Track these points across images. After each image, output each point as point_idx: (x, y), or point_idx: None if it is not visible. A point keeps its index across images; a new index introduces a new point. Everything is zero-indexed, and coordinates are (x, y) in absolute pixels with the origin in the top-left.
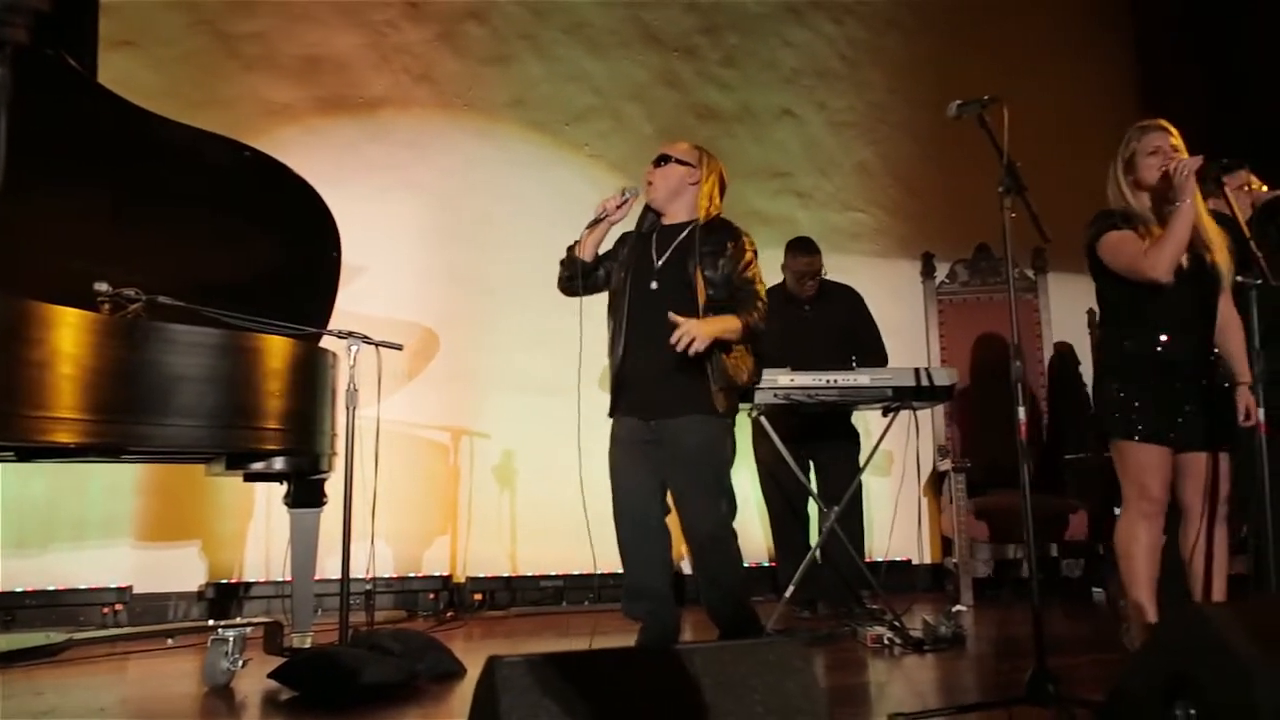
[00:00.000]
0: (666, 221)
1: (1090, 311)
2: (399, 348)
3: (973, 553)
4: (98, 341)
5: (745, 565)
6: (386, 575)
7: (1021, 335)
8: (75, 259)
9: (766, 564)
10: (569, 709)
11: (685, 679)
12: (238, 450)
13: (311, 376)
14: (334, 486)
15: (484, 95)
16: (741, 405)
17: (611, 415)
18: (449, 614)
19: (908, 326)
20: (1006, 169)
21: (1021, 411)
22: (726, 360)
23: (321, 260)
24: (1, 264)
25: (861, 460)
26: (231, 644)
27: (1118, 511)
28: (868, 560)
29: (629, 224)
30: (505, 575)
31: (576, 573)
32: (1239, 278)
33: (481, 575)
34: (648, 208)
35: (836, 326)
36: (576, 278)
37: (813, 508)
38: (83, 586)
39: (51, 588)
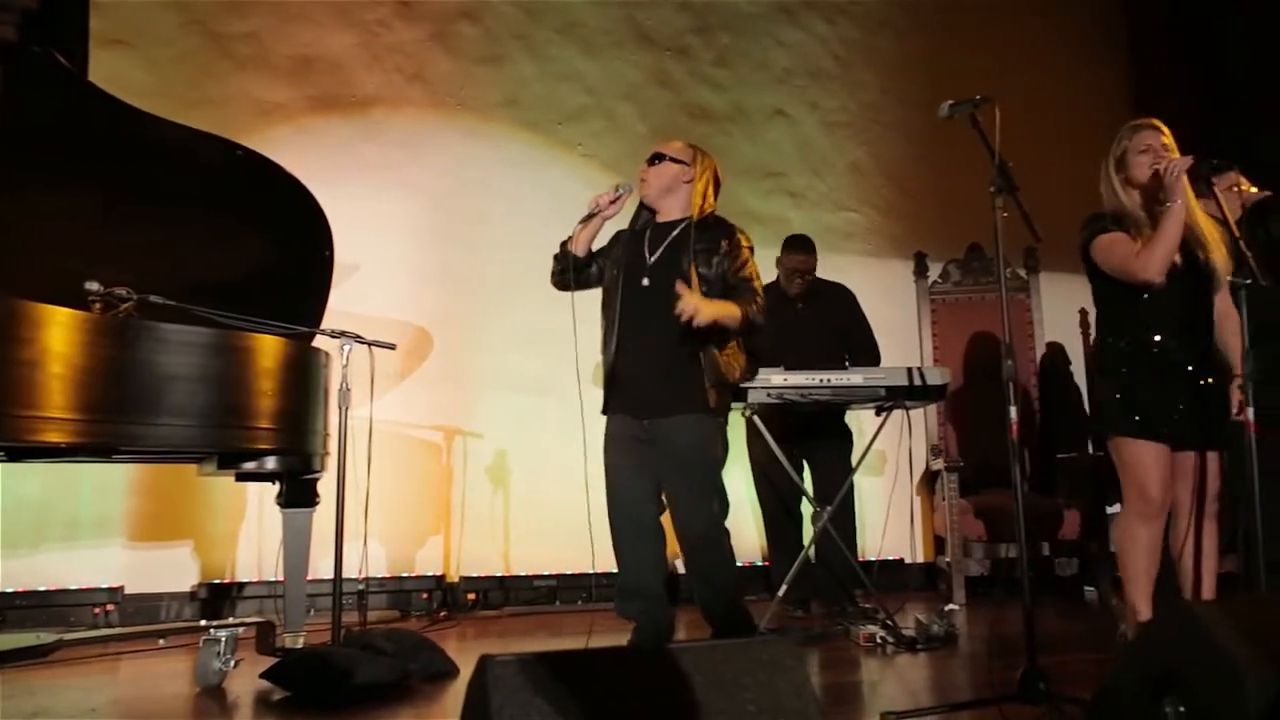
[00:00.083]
0: (660, 219)
1: (1082, 311)
2: (392, 347)
3: (967, 552)
4: (89, 341)
5: (739, 565)
6: (379, 575)
7: (1013, 335)
8: (66, 258)
9: (760, 563)
10: (561, 708)
11: (677, 678)
12: (230, 450)
13: (304, 376)
14: (326, 486)
15: (477, 95)
16: (735, 404)
17: (604, 412)
18: (442, 614)
19: (900, 326)
20: (998, 169)
21: (1013, 411)
22: (719, 357)
23: (314, 259)
24: None
25: (854, 459)
26: (223, 644)
27: (1109, 510)
28: (861, 559)
29: (623, 222)
30: (498, 575)
31: (570, 572)
32: (1230, 277)
33: (475, 575)
34: (642, 205)
35: (829, 325)
36: (568, 272)
37: (806, 507)
38: (74, 587)
39: (43, 588)
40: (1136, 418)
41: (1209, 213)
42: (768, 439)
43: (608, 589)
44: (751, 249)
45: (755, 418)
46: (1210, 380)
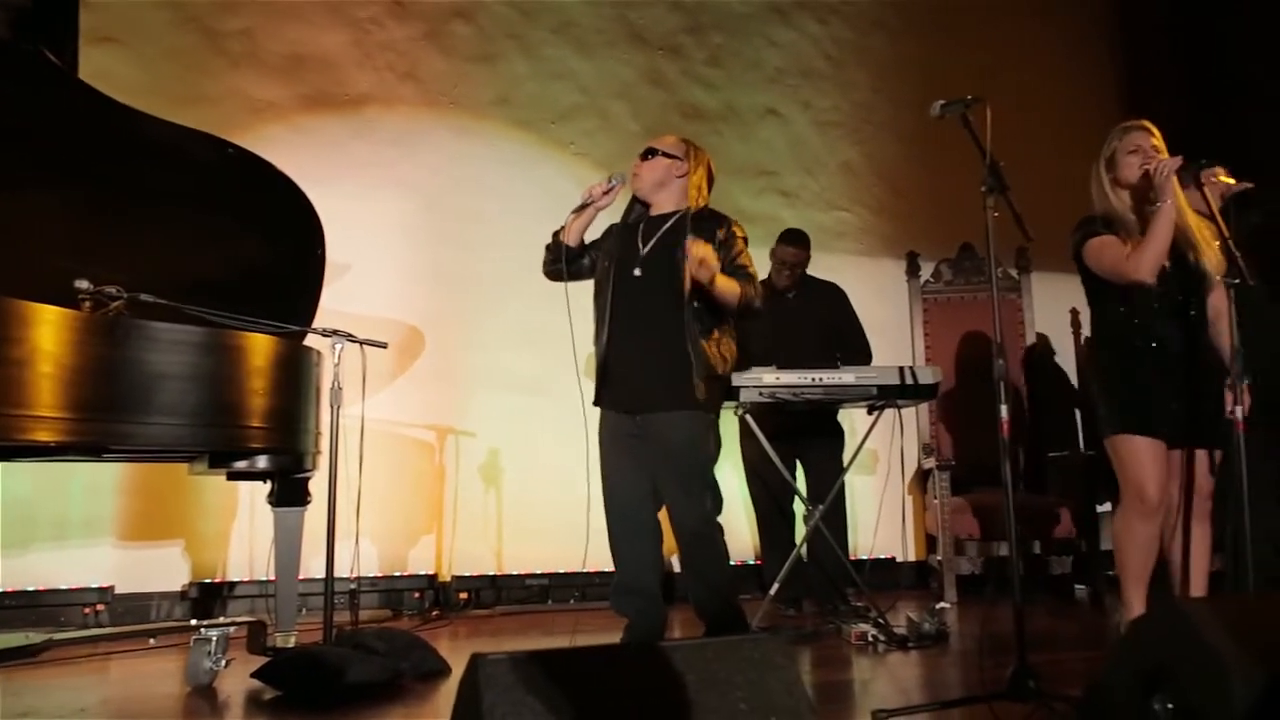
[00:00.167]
0: (653, 212)
1: (1074, 310)
2: (383, 346)
3: (959, 550)
4: (78, 339)
5: (732, 563)
6: (371, 574)
7: (1004, 334)
8: (56, 256)
9: (753, 562)
10: (552, 706)
11: (668, 676)
12: (221, 449)
13: (295, 374)
14: (318, 485)
15: (469, 93)
16: (727, 403)
17: (597, 404)
18: (434, 613)
19: (892, 325)
20: (989, 168)
21: (1004, 409)
22: (708, 348)
23: (306, 258)
24: None
25: (846, 458)
26: (214, 644)
27: (1100, 510)
28: (853, 558)
29: (615, 215)
30: (491, 574)
31: (562, 571)
32: (1221, 276)
33: (467, 574)
34: (635, 199)
35: (820, 321)
36: (560, 261)
37: (799, 505)
38: (64, 586)
39: (32, 588)
40: (1133, 415)
41: (1195, 208)
42: (760, 438)
43: (600, 588)
44: (746, 240)
45: (747, 416)
46: (1204, 379)
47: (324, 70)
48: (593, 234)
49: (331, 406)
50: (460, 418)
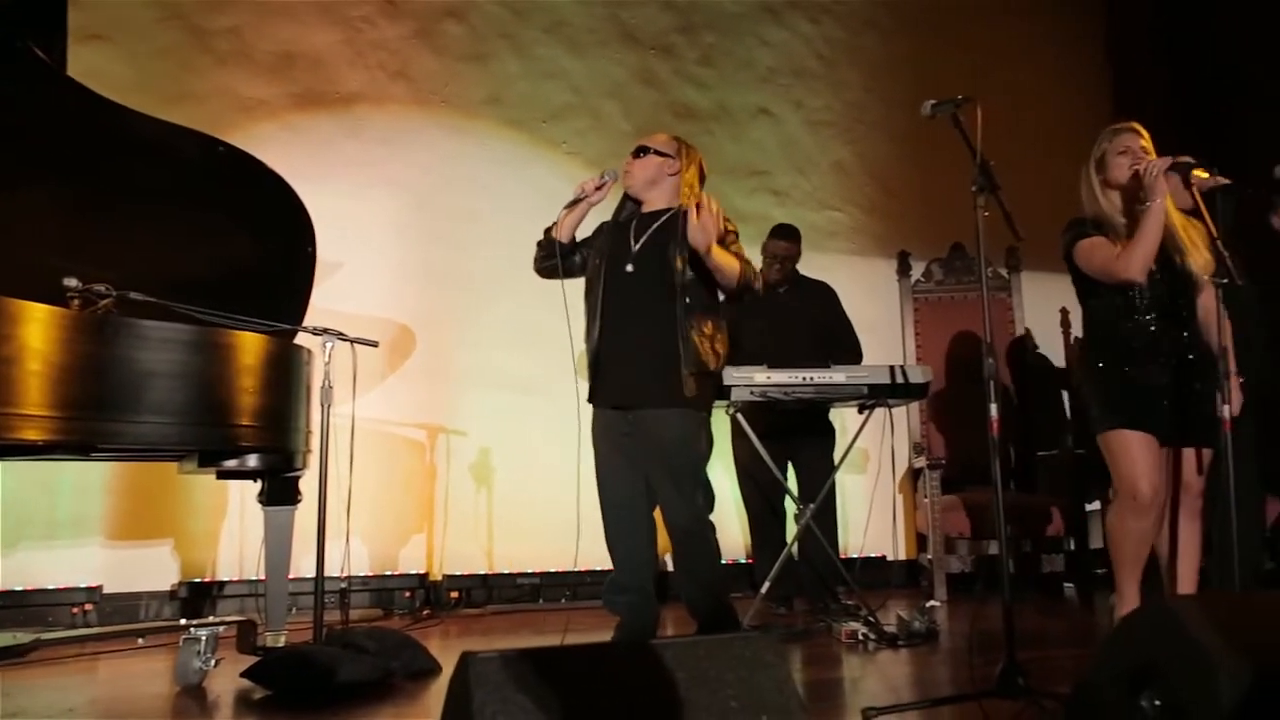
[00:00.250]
0: (645, 210)
1: (1064, 310)
2: (374, 344)
3: (950, 549)
4: (67, 337)
5: (723, 562)
6: (362, 574)
7: (995, 333)
8: (45, 254)
9: (744, 560)
10: (542, 704)
11: (659, 674)
12: (210, 447)
13: (286, 373)
14: (309, 484)
15: (461, 92)
16: (719, 403)
17: (590, 401)
18: (425, 612)
19: (883, 324)
20: (980, 168)
21: (994, 408)
22: (700, 342)
23: (296, 256)
24: None
25: (837, 457)
26: (204, 643)
27: (1089, 508)
28: (843, 556)
29: (606, 213)
30: (482, 573)
31: (553, 570)
32: (1209, 277)
33: (458, 573)
34: (626, 197)
35: (810, 318)
36: (552, 258)
37: (790, 504)
38: (52, 586)
39: (19, 588)
40: (1125, 411)
41: (1184, 207)
42: (751, 437)
43: (591, 587)
44: (736, 233)
45: (739, 415)
46: (1194, 378)
47: (315, 68)
48: (583, 233)
49: (322, 405)
50: (451, 417)
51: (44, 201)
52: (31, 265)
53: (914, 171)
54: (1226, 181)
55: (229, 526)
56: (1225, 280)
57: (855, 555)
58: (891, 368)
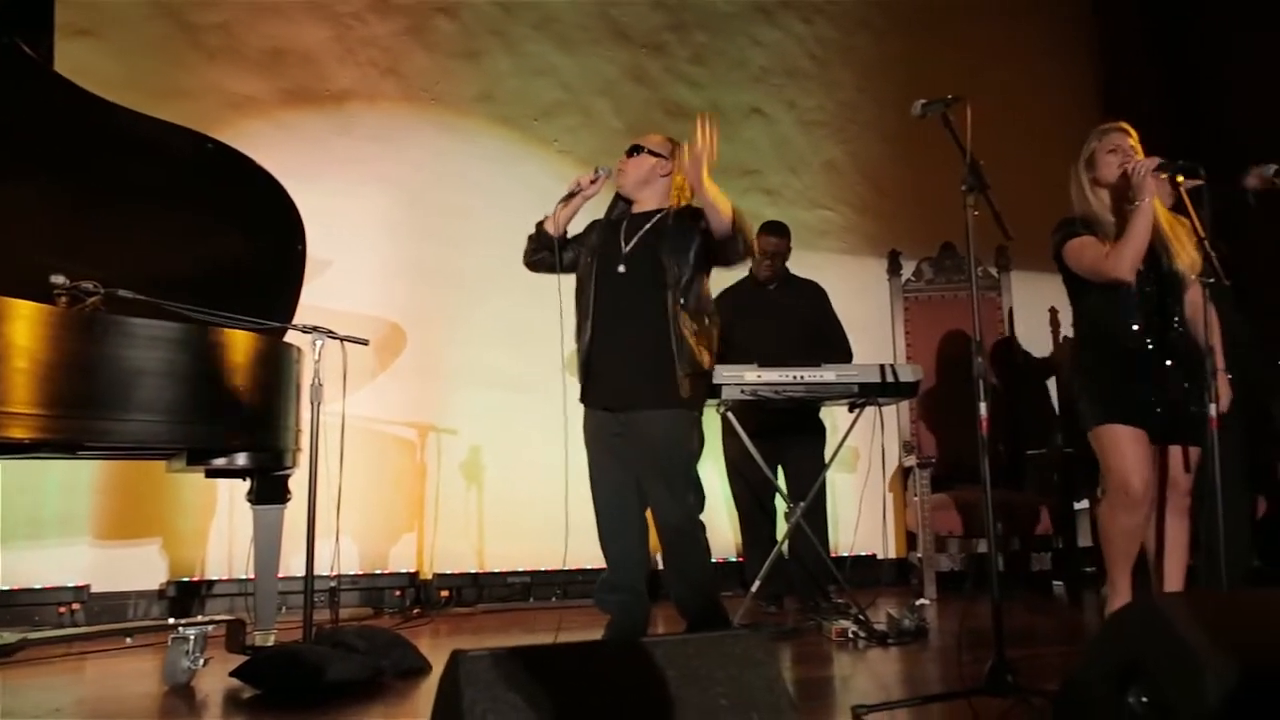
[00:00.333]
0: (636, 210)
1: (1053, 309)
2: (365, 343)
3: (940, 547)
4: (54, 335)
5: (713, 560)
6: (352, 572)
7: (984, 332)
8: (32, 251)
9: (734, 559)
10: (533, 703)
11: (649, 672)
12: (199, 446)
13: (275, 371)
14: (298, 482)
15: (452, 89)
16: (710, 401)
17: (582, 401)
18: (415, 611)
19: (874, 323)
20: (970, 167)
21: (984, 407)
22: (692, 342)
23: (286, 253)
24: None
25: (827, 456)
26: (192, 642)
27: (1077, 507)
28: (834, 555)
29: (598, 211)
30: (472, 571)
31: (544, 568)
32: (1197, 276)
33: (448, 572)
34: (618, 196)
35: (800, 316)
36: (542, 250)
37: (780, 503)
38: (39, 586)
39: (6, 587)
40: (1115, 407)
41: (1172, 205)
42: (742, 435)
43: (582, 585)
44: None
45: (729, 414)
46: (1183, 376)
47: (305, 65)
48: (574, 229)
49: (312, 403)
50: (442, 415)
51: (32, 198)
52: (19, 262)
53: (905, 171)
54: (1199, 182)
55: (218, 525)
56: (1212, 279)
57: (845, 553)
58: (882, 366)
